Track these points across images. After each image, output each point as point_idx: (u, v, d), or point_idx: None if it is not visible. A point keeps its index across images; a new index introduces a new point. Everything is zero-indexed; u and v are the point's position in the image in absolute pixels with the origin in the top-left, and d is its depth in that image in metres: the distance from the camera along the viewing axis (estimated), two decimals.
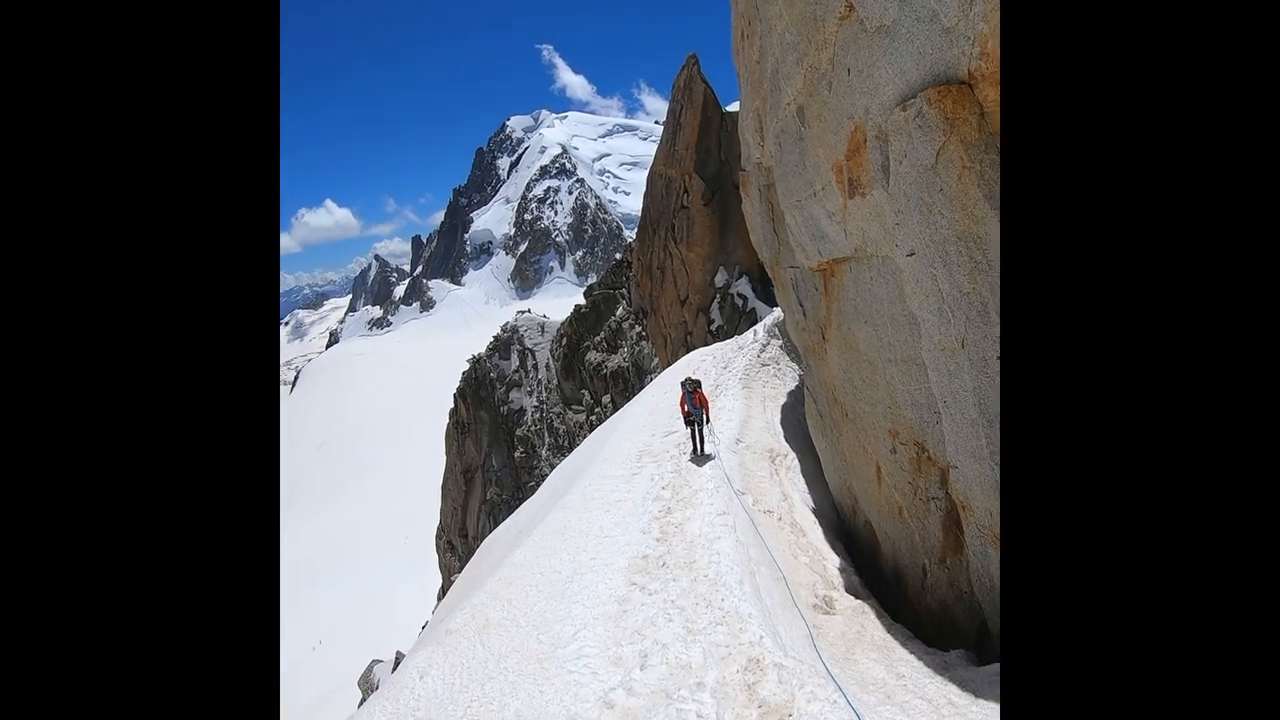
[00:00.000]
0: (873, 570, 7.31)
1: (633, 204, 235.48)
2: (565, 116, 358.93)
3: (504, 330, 55.73)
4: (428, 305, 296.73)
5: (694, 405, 10.36)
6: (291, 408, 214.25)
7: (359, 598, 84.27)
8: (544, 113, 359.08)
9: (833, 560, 7.47)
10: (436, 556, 52.68)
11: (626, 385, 36.97)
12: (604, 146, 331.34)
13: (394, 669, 21.93)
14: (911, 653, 5.25)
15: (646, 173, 35.71)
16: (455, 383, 55.49)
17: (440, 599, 34.53)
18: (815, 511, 8.96)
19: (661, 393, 15.89)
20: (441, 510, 52.74)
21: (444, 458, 54.29)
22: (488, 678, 5.42)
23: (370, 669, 37.15)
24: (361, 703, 26.41)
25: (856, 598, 6.53)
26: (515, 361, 52.76)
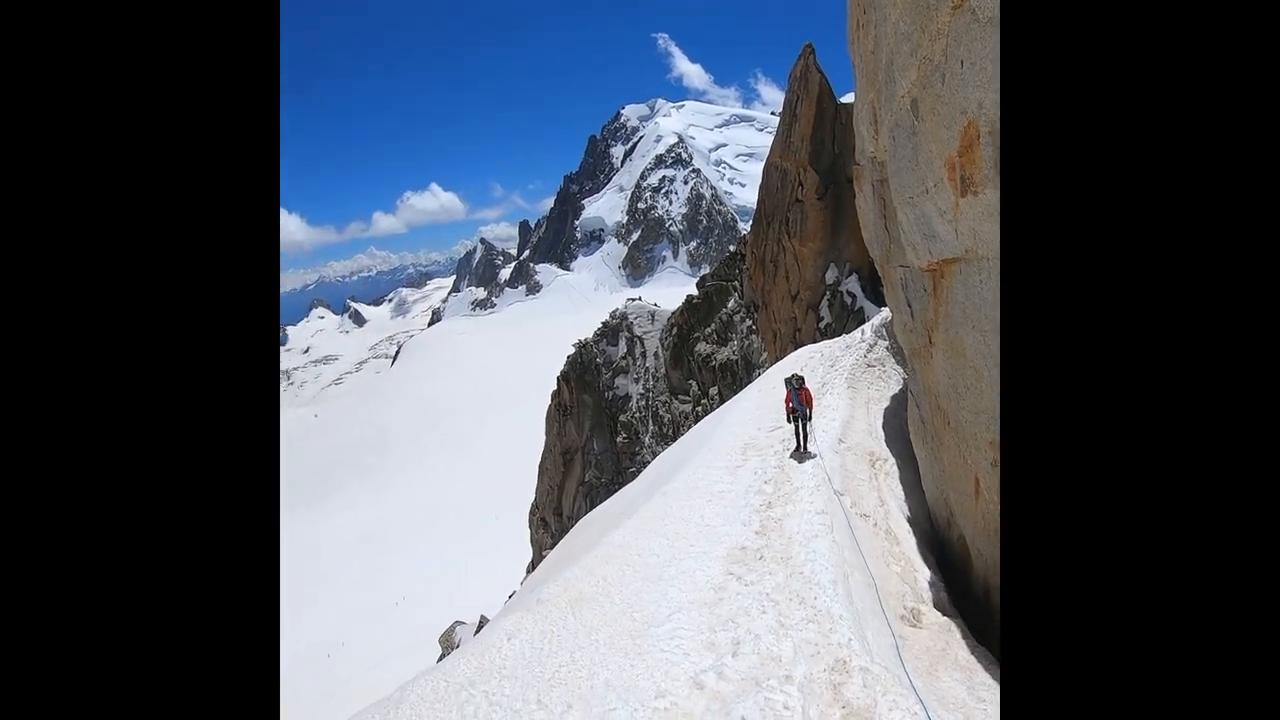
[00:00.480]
0: (963, 585, 7.00)
1: (748, 195, 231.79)
2: (682, 105, 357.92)
3: (613, 316, 56.21)
4: (534, 289, 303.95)
5: (799, 402, 10.31)
6: (392, 380, 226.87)
7: (444, 564, 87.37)
8: (660, 101, 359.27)
9: (924, 573, 7.24)
10: (528, 531, 54.01)
11: (734, 378, 36.73)
12: (720, 136, 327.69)
13: (477, 631, 23.07)
14: (995, 677, 5.06)
15: (762, 164, 35.25)
16: (558, 366, 56.31)
17: (530, 571, 35.67)
18: (910, 520, 8.68)
19: (769, 387, 15.81)
20: (537, 488, 53.98)
21: (543, 437, 55.50)
22: (578, 647, 5.61)
23: (453, 628, 38.57)
24: (441, 658, 27.90)
25: (944, 614, 6.32)
26: (623, 348, 53.43)
